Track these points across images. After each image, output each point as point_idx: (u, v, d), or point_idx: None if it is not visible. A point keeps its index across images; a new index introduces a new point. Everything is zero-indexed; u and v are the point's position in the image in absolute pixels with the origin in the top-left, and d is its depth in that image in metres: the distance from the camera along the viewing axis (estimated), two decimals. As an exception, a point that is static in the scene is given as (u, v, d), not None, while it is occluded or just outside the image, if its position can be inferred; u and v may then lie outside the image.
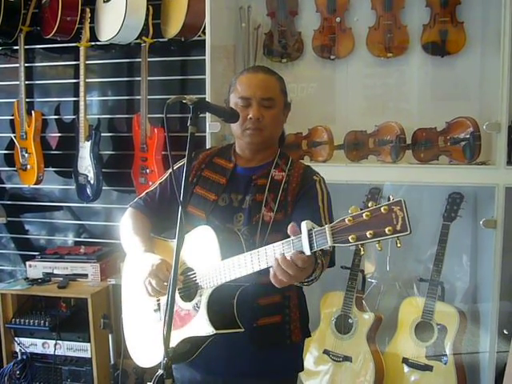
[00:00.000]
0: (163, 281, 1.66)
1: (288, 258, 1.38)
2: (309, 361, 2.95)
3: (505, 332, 2.66)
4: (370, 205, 1.26)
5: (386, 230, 1.21)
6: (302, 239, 1.36)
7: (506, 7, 2.47)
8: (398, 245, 1.23)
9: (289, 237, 1.42)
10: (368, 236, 1.24)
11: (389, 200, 1.23)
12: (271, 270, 1.43)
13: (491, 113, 2.65)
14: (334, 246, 1.35)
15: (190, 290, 1.69)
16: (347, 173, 2.85)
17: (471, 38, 2.82)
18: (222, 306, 1.64)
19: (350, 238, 1.26)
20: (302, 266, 1.38)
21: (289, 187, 1.77)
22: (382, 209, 1.23)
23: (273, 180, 1.79)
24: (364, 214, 1.25)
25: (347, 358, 2.91)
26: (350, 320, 2.92)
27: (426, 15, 2.86)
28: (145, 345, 1.85)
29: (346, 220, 1.27)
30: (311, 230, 1.35)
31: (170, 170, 1.79)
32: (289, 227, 1.41)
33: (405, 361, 2.82)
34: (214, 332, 1.58)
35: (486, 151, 2.67)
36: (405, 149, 2.79)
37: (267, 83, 1.80)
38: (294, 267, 1.38)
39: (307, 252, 1.35)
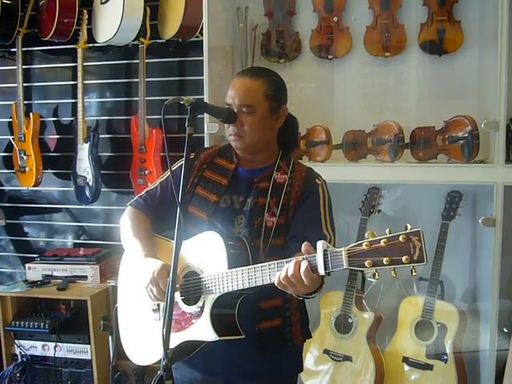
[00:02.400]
0: (163, 289, 1.65)
1: (300, 270, 1.40)
2: (309, 361, 2.96)
3: (505, 330, 2.66)
4: (387, 232, 1.29)
5: (403, 258, 1.25)
6: (317, 259, 1.38)
7: (503, 5, 2.47)
8: (414, 273, 1.27)
9: (292, 240, 1.44)
10: (384, 263, 1.27)
11: (406, 229, 1.26)
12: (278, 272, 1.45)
13: (489, 111, 2.65)
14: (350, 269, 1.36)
15: (192, 294, 1.69)
16: (346, 172, 2.85)
17: (468, 37, 2.82)
18: (224, 313, 1.64)
19: (366, 262, 1.29)
20: (308, 282, 1.40)
21: (291, 191, 1.76)
22: (400, 237, 1.26)
23: (275, 183, 1.77)
24: (382, 241, 1.28)
25: (347, 358, 2.91)
26: (349, 320, 2.92)
27: (424, 14, 2.86)
28: (142, 343, 1.85)
29: (363, 245, 1.30)
30: (326, 250, 1.36)
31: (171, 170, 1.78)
32: (303, 246, 1.42)
33: (405, 360, 2.82)
34: (217, 339, 1.58)
35: (484, 150, 2.67)
36: (403, 148, 2.79)
37: (247, 89, 1.75)
38: (300, 280, 1.40)
39: (321, 272, 1.37)
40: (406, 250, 1.25)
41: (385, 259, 1.26)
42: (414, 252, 1.24)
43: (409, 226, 1.26)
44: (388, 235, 1.28)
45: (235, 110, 1.74)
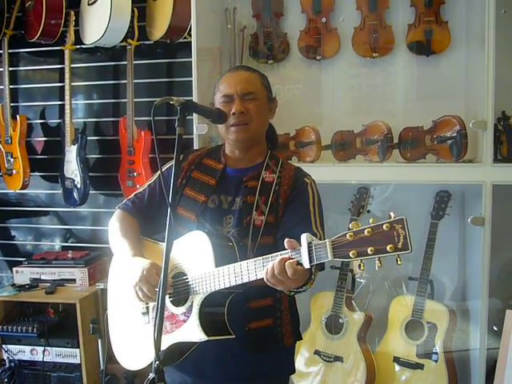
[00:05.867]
0: (154, 287, 1.64)
1: (285, 266, 1.39)
2: (300, 362, 2.95)
3: (494, 329, 2.67)
4: (371, 221, 1.28)
5: (388, 247, 1.23)
6: (301, 252, 1.37)
7: (489, 6, 2.49)
8: (399, 262, 1.25)
9: (282, 239, 1.43)
10: (369, 252, 1.26)
11: (390, 217, 1.25)
12: (265, 269, 1.44)
13: (477, 111, 2.67)
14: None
15: (180, 295, 1.68)
16: (335, 173, 2.85)
17: (456, 37, 2.84)
18: (213, 312, 1.63)
19: (350, 253, 1.28)
20: (295, 277, 1.39)
21: (280, 189, 1.76)
22: (383, 226, 1.25)
23: (264, 182, 1.77)
24: (365, 231, 1.26)
25: (338, 358, 2.91)
26: (340, 320, 2.92)
27: (411, 15, 2.88)
28: (132, 347, 1.84)
29: (347, 235, 1.29)
30: (311, 242, 1.35)
31: (159, 172, 1.78)
32: (285, 243, 1.41)
33: (396, 360, 2.82)
34: (206, 339, 1.57)
35: (472, 149, 2.68)
36: (392, 148, 2.80)
37: (247, 78, 1.80)
38: (286, 276, 1.39)
39: (306, 265, 1.36)
40: (390, 239, 1.24)
41: (369, 249, 1.25)
42: (398, 240, 1.23)
43: (392, 215, 1.25)
44: (372, 224, 1.27)
45: (237, 100, 1.75)
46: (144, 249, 1.85)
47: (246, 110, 1.75)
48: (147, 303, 1.77)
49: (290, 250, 1.41)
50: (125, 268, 1.79)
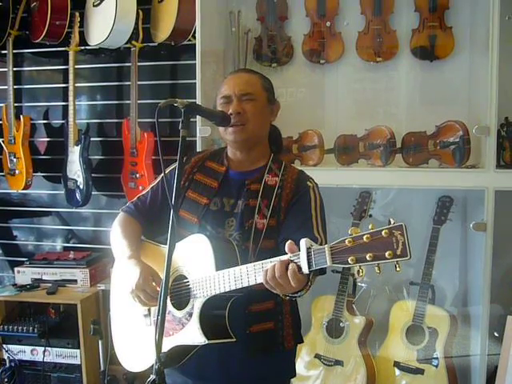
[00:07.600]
0: (151, 294, 1.65)
1: (287, 273, 1.39)
2: (300, 365, 2.94)
3: (495, 334, 2.67)
4: (370, 227, 1.27)
5: (386, 253, 1.23)
6: (300, 257, 1.37)
7: (494, 11, 2.49)
8: (398, 269, 1.24)
9: (283, 243, 1.43)
10: (368, 258, 1.25)
11: (389, 223, 1.24)
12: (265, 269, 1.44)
13: (480, 116, 2.67)
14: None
15: (181, 298, 1.68)
16: (338, 177, 2.85)
17: (460, 43, 2.84)
18: (214, 316, 1.63)
19: (349, 259, 1.27)
20: (296, 284, 1.39)
21: (282, 193, 1.75)
22: (382, 232, 1.24)
23: (266, 185, 1.77)
24: (364, 237, 1.26)
25: (338, 362, 2.91)
26: (341, 324, 2.92)
27: (415, 20, 2.88)
28: (134, 349, 1.84)
29: (346, 241, 1.28)
30: (310, 248, 1.35)
31: (162, 175, 1.78)
32: (286, 245, 1.41)
33: (396, 364, 2.82)
34: (207, 342, 1.57)
35: (475, 155, 2.69)
36: (395, 153, 2.80)
37: (246, 80, 1.80)
38: (287, 280, 1.39)
39: (305, 270, 1.36)
40: (388, 245, 1.23)
41: (368, 255, 1.24)
42: (397, 247, 1.22)
43: (392, 221, 1.24)
44: (371, 231, 1.26)
45: (234, 100, 1.75)
46: (145, 251, 1.85)
47: (243, 110, 1.74)
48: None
49: (289, 255, 1.41)
50: (124, 271, 1.79)
